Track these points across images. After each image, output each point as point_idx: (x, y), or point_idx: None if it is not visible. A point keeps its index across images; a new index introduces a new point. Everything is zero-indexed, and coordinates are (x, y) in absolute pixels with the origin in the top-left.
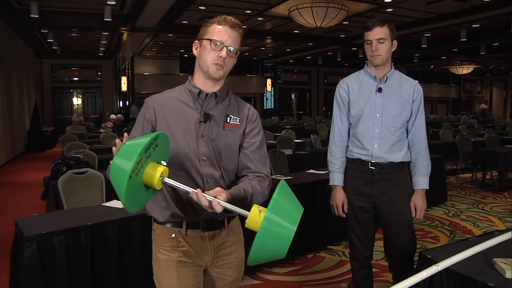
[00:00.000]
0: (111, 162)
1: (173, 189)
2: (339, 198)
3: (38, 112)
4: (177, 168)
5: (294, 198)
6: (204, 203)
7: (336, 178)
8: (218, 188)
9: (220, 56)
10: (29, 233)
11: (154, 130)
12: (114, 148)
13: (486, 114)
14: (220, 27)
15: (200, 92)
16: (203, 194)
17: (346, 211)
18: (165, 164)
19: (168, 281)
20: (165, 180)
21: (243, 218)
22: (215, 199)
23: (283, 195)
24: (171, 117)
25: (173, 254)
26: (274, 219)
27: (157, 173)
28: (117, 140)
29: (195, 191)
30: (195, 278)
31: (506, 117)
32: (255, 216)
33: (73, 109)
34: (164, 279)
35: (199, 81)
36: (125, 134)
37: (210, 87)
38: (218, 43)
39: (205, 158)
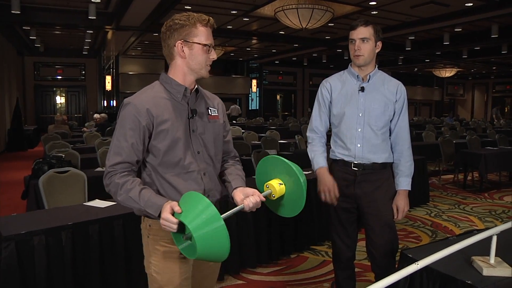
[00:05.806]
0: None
1: (170, 188)
2: (329, 179)
3: (20, 110)
4: (178, 167)
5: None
6: (258, 199)
7: (320, 161)
8: (240, 188)
9: (212, 58)
10: (7, 233)
11: (151, 134)
12: (174, 221)
13: (498, 117)
14: (204, 28)
15: (186, 89)
16: (249, 199)
17: (337, 195)
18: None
19: (170, 273)
20: (223, 217)
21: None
22: (260, 195)
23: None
24: (166, 118)
25: (175, 246)
26: (303, 177)
27: (222, 220)
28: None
29: (246, 204)
30: (190, 267)
31: (487, 119)
32: (279, 187)
33: (56, 108)
34: (167, 271)
35: (179, 78)
36: (177, 208)
37: (191, 84)
38: (210, 46)
39: (198, 152)
